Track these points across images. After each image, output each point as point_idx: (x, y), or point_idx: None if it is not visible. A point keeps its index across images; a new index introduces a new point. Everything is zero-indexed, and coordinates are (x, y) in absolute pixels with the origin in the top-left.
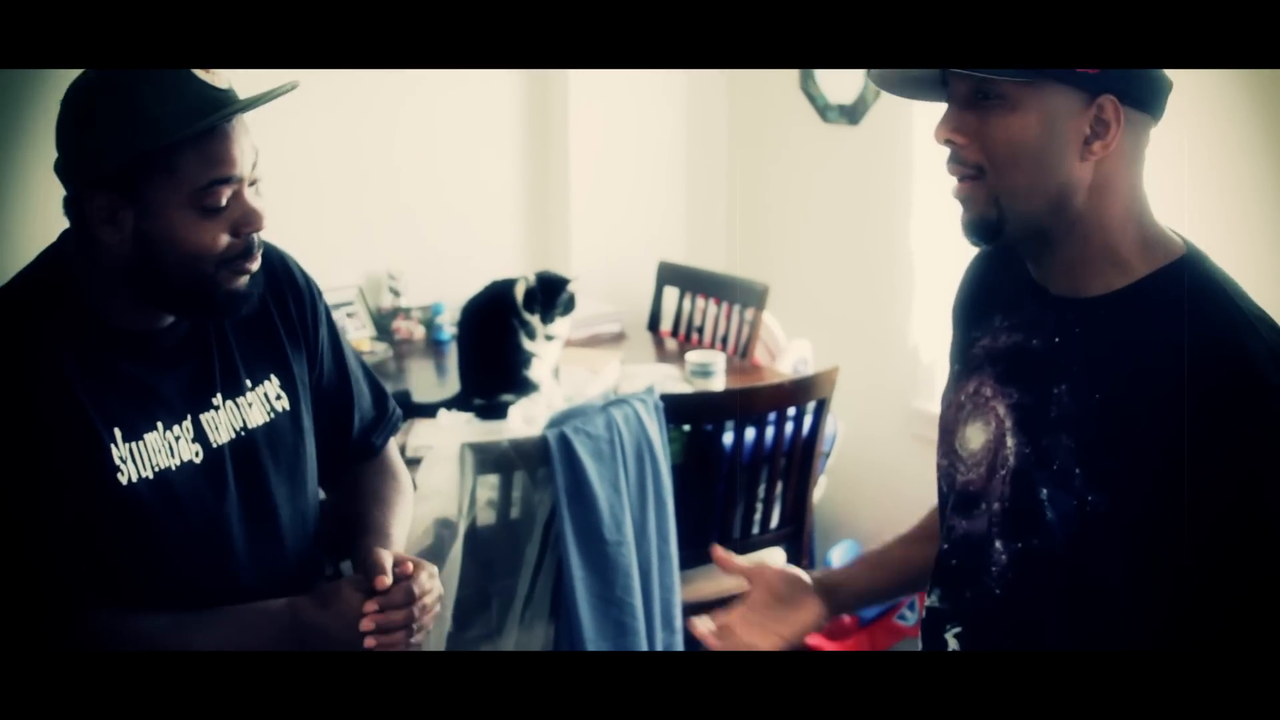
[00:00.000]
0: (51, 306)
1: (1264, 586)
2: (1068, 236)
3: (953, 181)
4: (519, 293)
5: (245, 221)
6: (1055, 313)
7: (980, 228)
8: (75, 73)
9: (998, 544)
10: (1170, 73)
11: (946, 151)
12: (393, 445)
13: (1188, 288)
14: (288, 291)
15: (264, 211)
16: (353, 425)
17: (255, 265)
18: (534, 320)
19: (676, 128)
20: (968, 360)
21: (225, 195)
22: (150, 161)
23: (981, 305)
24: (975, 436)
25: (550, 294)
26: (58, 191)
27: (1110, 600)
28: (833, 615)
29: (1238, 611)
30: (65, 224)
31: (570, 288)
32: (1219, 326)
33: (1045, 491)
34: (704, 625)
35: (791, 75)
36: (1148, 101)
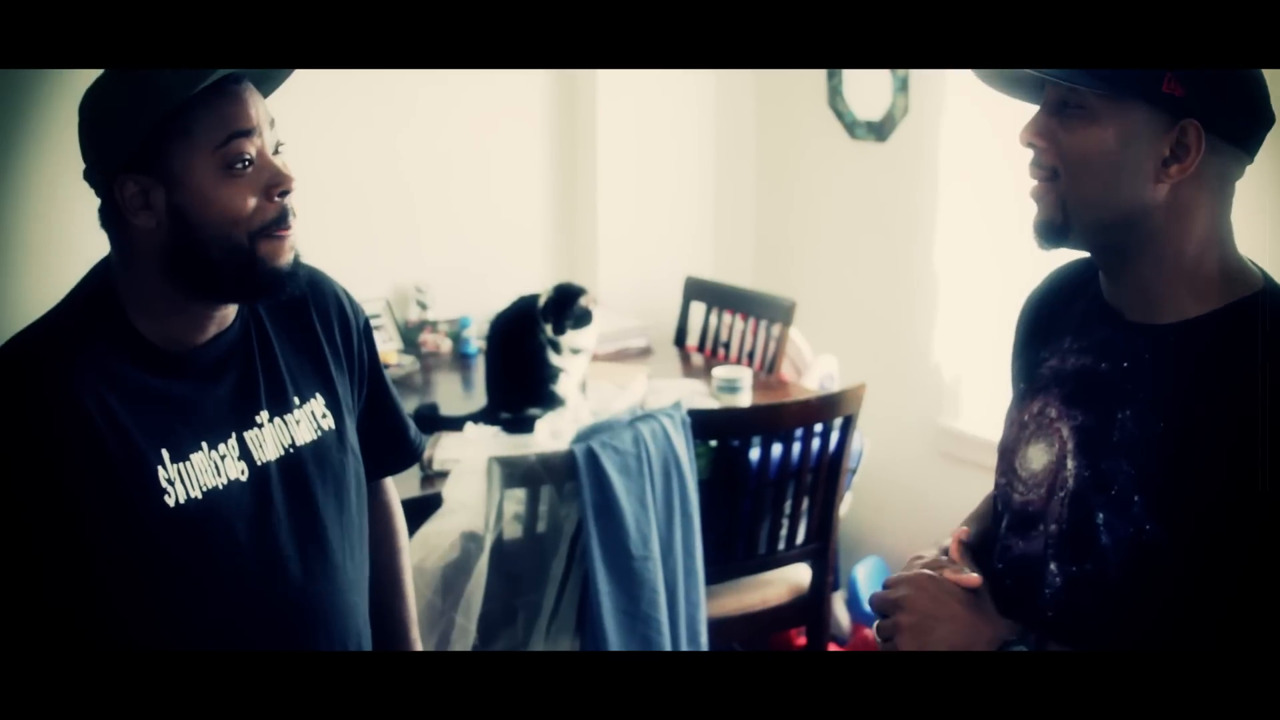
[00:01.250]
0: (98, 328)
1: None
2: (1141, 255)
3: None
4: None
5: (274, 182)
6: (1126, 337)
7: (1046, 229)
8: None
9: (1052, 566)
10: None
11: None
12: (389, 482)
13: (1261, 323)
14: (335, 316)
15: (292, 174)
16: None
17: (291, 234)
18: (548, 329)
19: (704, 141)
20: (1033, 380)
21: (247, 150)
22: (167, 131)
23: (1051, 326)
24: (1037, 457)
25: (562, 305)
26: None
27: (1162, 633)
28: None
29: None
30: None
31: (584, 301)
32: None
33: (1102, 516)
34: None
35: (820, 91)
36: (1236, 134)
